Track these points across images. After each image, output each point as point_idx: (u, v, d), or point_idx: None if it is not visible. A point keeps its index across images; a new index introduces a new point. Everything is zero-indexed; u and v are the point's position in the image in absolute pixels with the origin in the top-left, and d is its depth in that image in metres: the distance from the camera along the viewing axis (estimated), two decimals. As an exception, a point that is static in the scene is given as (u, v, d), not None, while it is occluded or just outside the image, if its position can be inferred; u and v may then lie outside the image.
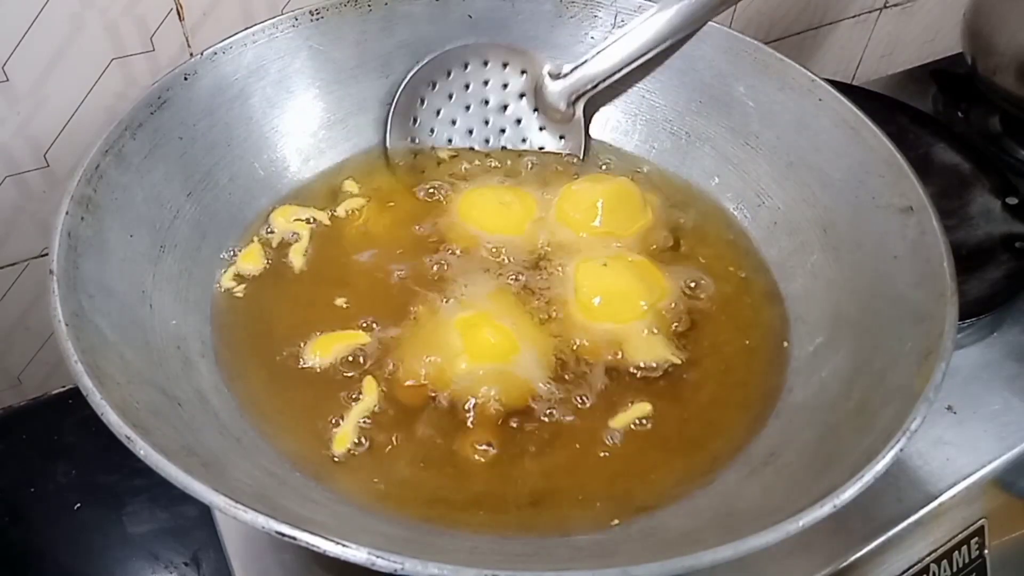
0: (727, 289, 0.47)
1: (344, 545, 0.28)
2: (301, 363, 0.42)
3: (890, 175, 0.44)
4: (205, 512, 0.50)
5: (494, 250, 0.48)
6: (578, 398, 0.41)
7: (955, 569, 0.50)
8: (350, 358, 0.42)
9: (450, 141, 0.54)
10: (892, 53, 0.98)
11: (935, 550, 0.49)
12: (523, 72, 0.54)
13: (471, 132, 0.54)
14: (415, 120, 0.53)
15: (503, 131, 0.55)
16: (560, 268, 0.47)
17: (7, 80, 0.50)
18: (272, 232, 0.48)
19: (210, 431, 0.36)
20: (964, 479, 0.49)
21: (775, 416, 0.41)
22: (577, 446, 0.40)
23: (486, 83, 0.54)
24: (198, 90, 0.46)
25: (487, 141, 0.55)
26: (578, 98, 0.53)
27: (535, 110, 0.54)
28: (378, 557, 0.27)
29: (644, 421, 0.41)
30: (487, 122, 0.54)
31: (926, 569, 0.49)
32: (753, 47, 0.50)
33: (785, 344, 0.44)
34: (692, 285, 0.47)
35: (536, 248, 0.49)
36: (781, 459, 0.38)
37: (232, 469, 0.34)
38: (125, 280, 0.39)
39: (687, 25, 0.51)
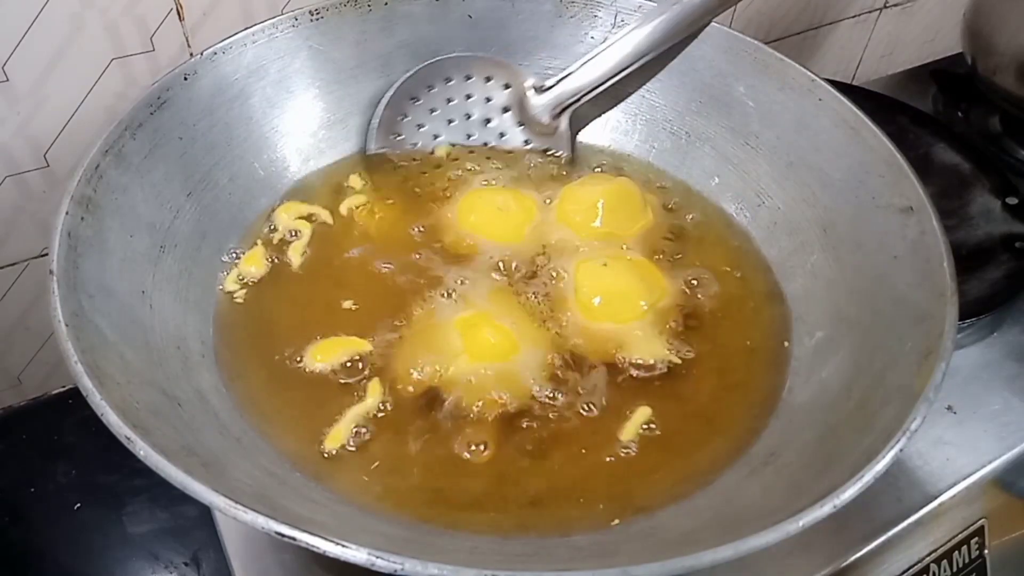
0: (727, 289, 0.47)
1: (344, 545, 0.28)
2: (301, 365, 0.42)
3: (890, 175, 0.44)
4: (205, 512, 0.50)
5: (494, 252, 0.48)
6: (578, 398, 0.41)
7: (955, 569, 0.50)
8: (349, 363, 0.42)
9: (432, 155, 0.54)
10: (892, 53, 0.98)
11: (935, 550, 0.49)
12: (507, 86, 0.53)
13: (454, 146, 0.54)
14: (398, 134, 0.53)
15: (487, 144, 0.55)
16: (560, 268, 0.47)
17: (7, 80, 0.50)
18: (275, 229, 0.48)
19: (210, 431, 0.36)
20: (964, 479, 0.49)
21: (775, 416, 0.41)
22: (577, 446, 0.40)
23: (469, 97, 0.54)
24: (198, 90, 0.46)
25: (471, 153, 0.54)
26: (562, 111, 0.53)
27: (519, 124, 0.54)
28: (378, 557, 0.27)
29: (652, 426, 0.41)
30: (470, 136, 0.54)
31: (926, 569, 0.49)
32: (753, 47, 0.50)
33: (785, 344, 0.44)
34: (692, 285, 0.47)
35: (536, 249, 0.49)
36: (781, 459, 0.38)
37: (232, 469, 0.34)
38: (125, 280, 0.39)
39: (667, 39, 0.50)
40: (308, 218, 0.49)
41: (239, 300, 0.45)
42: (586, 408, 0.41)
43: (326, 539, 0.28)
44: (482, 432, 0.40)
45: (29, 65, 0.50)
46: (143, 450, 0.29)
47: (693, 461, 0.40)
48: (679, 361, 0.43)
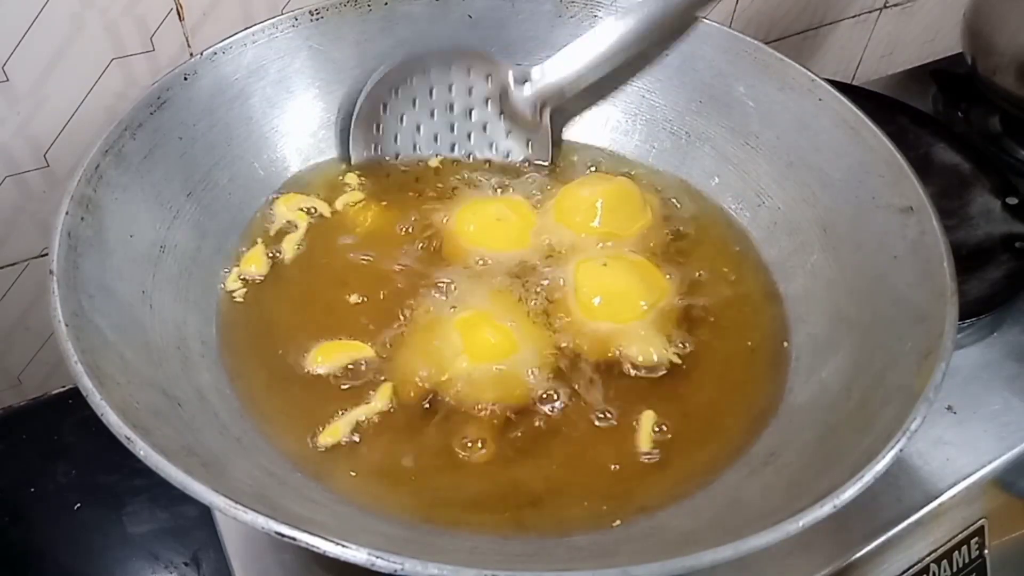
0: (727, 289, 0.47)
1: (344, 545, 0.28)
2: (302, 366, 0.42)
3: (890, 175, 0.44)
4: (205, 512, 0.50)
5: (493, 253, 0.48)
6: (577, 398, 0.41)
7: (955, 569, 0.50)
8: (351, 366, 0.42)
9: (415, 147, 0.54)
10: (892, 53, 0.98)
11: (935, 550, 0.49)
12: (488, 77, 0.53)
13: (436, 138, 0.54)
14: (378, 127, 0.52)
15: (469, 136, 0.54)
16: (560, 268, 0.47)
17: (7, 80, 0.50)
18: (272, 220, 0.48)
19: (210, 431, 0.36)
20: (964, 479, 0.49)
21: (775, 416, 0.41)
22: (577, 446, 0.40)
23: (450, 88, 0.53)
24: (198, 90, 0.46)
25: (453, 147, 0.54)
26: (544, 105, 0.53)
27: (501, 115, 0.54)
28: (378, 557, 0.27)
29: (663, 427, 0.41)
30: (452, 127, 0.54)
31: (926, 569, 0.49)
32: (753, 47, 0.50)
33: (785, 344, 0.44)
34: (692, 285, 0.47)
35: (536, 249, 0.48)
36: (781, 459, 0.38)
37: (232, 469, 0.34)
38: (125, 280, 0.39)
39: (652, 32, 0.50)
40: (307, 211, 0.49)
41: (239, 299, 0.45)
42: (585, 408, 0.41)
43: (326, 539, 0.28)
44: (482, 432, 0.40)
45: (29, 65, 0.50)
46: (143, 450, 0.29)
47: (693, 461, 0.40)
48: (679, 361, 0.43)
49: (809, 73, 0.48)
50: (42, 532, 0.51)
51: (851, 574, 0.46)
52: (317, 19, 0.50)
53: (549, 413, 0.41)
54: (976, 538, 0.51)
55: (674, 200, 0.52)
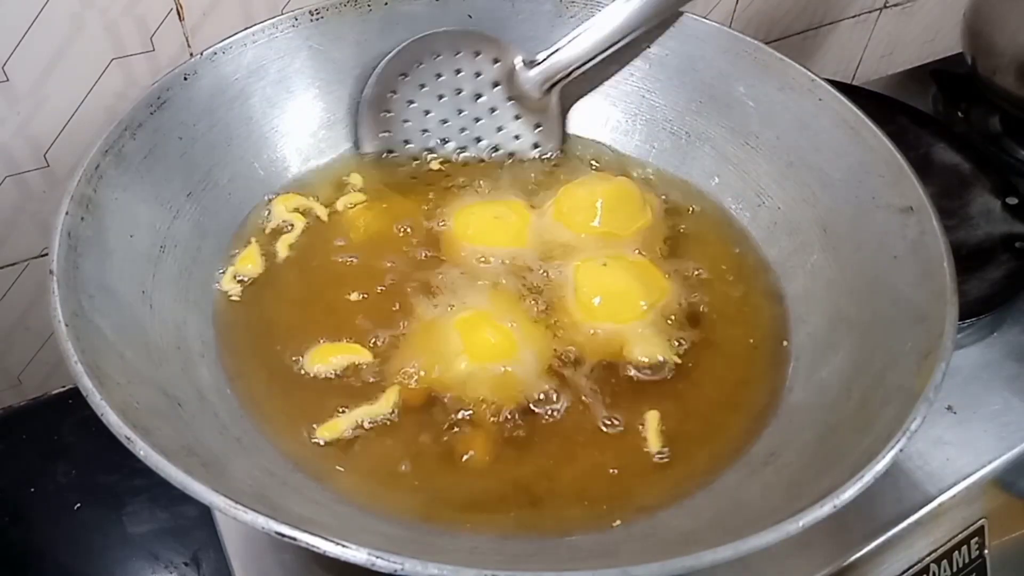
0: (727, 289, 0.47)
1: (344, 545, 0.28)
2: (302, 366, 0.42)
3: (890, 175, 0.44)
4: (205, 512, 0.50)
5: (493, 254, 0.48)
6: (578, 398, 0.41)
7: (955, 569, 0.50)
8: (349, 367, 0.42)
9: (425, 131, 0.54)
10: (892, 53, 0.98)
11: (935, 550, 0.49)
12: (496, 60, 0.53)
13: (445, 122, 0.54)
14: (387, 111, 0.53)
15: (478, 120, 0.54)
16: (560, 268, 0.47)
17: (7, 80, 0.50)
18: (269, 220, 0.48)
19: (210, 431, 0.36)
20: (964, 479, 0.49)
21: (775, 416, 0.41)
22: (577, 446, 0.40)
23: (458, 72, 0.53)
24: (198, 90, 0.46)
25: (462, 130, 0.54)
26: (552, 86, 0.53)
27: (509, 99, 0.54)
28: (378, 557, 0.27)
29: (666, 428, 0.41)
30: (461, 111, 0.54)
31: (926, 569, 0.49)
32: (753, 47, 0.50)
33: (785, 344, 0.44)
34: (692, 285, 0.47)
35: (536, 249, 0.48)
36: (781, 459, 0.38)
37: (232, 469, 0.34)
38: (125, 280, 0.39)
39: (659, 11, 0.50)
40: (303, 212, 0.49)
41: (236, 299, 0.45)
42: (585, 408, 0.41)
43: (326, 539, 0.28)
44: (482, 432, 0.40)
45: (29, 65, 0.50)
46: (143, 450, 0.29)
47: (693, 461, 0.40)
48: (679, 361, 0.43)
49: (809, 73, 0.48)
50: (42, 532, 0.51)
51: (851, 574, 0.46)
52: (317, 19, 0.50)
53: (549, 413, 0.41)
54: (976, 538, 0.51)
55: (674, 200, 0.52)
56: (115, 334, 0.36)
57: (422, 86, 0.53)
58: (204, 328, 0.42)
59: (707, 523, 0.35)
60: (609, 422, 0.41)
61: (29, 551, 0.51)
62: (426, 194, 0.52)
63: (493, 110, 0.54)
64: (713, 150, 0.53)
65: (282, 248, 0.47)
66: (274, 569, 0.44)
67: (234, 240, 0.47)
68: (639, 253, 0.49)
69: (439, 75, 0.53)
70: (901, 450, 0.32)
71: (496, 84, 0.54)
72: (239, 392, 0.40)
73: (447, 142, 0.54)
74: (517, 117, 0.54)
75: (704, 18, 0.52)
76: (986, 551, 0.51)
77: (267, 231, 0.48)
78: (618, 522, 0.36)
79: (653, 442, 0.40)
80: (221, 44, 0.47)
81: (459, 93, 0.53)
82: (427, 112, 0.53)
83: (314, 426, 0.39)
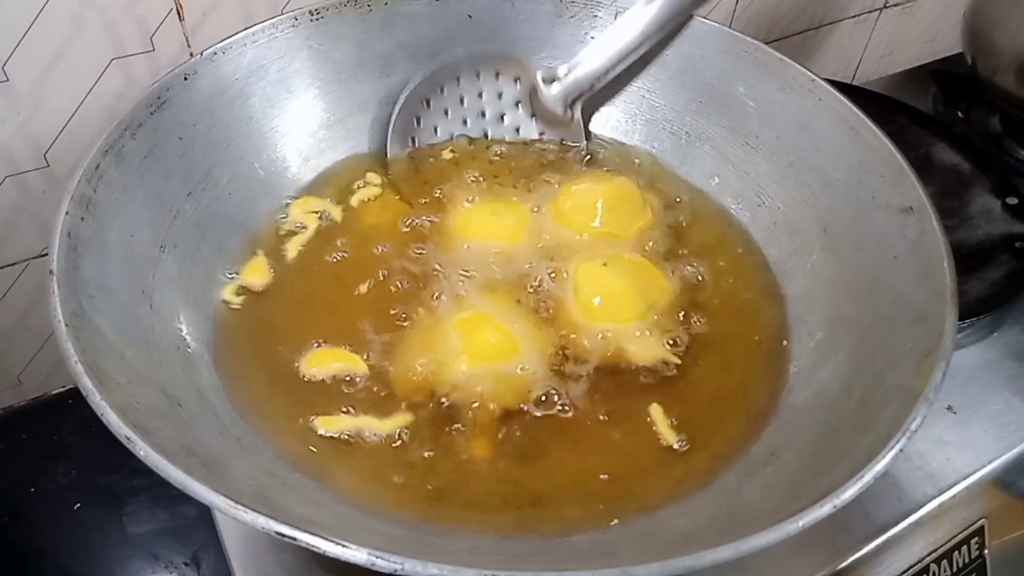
0: (727, 289, 0.47)
1: (344, 545, 0.28)
2: (301, 368, 0.42)
3: (890, 175, 0.44)
4: (205, 512, 0.50)
5: (493, 254, 0.48)
6: (578, 398, 0.41)
7: (955, 569, 0.50)
8: (348, 374, 0.42)
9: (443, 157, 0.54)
10: (892, 53, 0.98)
11: (935, 550, 0.49)
12: (516, 80, 0.53)
13: (471, 144, 0.54)
14: (413, 140, 0.53)
15: (503, 140, 0.55)
16: (560, 268, 0.47)
17: (7, 80, 0.50)
18: (284, 223, 0.49)
19: (210, 431, 0.36)
20: (964, 479, 0.49)
21: (775, 416, 0.41)
22: (577, 446, 0.40)
23: (480, 95, 0.54)
24: (198, 90, 0.46)
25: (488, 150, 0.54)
26: (575, 100, 0.53)
27: (532, 116, 0.54)
28: (378, 557, 0.27)
29: (675, 420, 0.41)
30: (486, 135, 0.54)
31: (926, 569, 0.49)
32: (753, 47, 0.50)
33: (785, 344, 0.44)
34: (692, 285, 0.47)
35: (536, 249, 0.49)
36: (781, 459, 0.38)
37: (232, 469, 0.34)
38: (125, 280, 0.39)
39: (675, 16, 0.50)
40: (318, 215, 0.49)
41: (237, 306, 0.44)
42: (585, 408, 0.41)
43: (326, 539, 0.28)
44: (482, 432, 0.40)
45: (29, 65, 0.50)
46: (143, 450, 0.29)
47: (693, 461, 0.40)
48: (679, 361, 0.43)
49: (809, 73, 0.48)
50: (42, 532, 0.51)
51: (851, 574, 0.46)
52: (317, 19, 0.50)
53: (549, 413, 0.41)
54: (976, 538, 0.51)
55: (674, 199, 0.52)
56: (115, 334, 0.36)
57: (446, 112, 0.53)
58: (204, 328, 0.42)
59: (707, 523, 0.35)
60: (609, 422, 0.41)
61: (29, 551, 0.51)
62: (432, 192, 0.52)
63: (517, 130, 0.55)
64: (713, 150, 0.53)
65: (292, 250, 0.47)
66: (274, 569, 0.44)
67: (243, 241, 0.47)
68: (639, 253, 0.49)
69: (462, 99, 0.53)
70: (901, 450, 0.32)
71: (518, 103, 0.54)
72: (239, 392, 0.40)
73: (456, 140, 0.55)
74: (541, 134, 0.55)
75: (704, 18, 0.52)
76: (986, 551, 0.51)
77: (280, 233, 0.48)
78: (616, 521, 0.36)
79: (667, 435, 0.40)
80: (221, 44, 0.47)
81: (483, 116, 0.54)
82: (452, 136, 0.54)
83: (313, 418, 0.39)
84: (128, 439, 0.30)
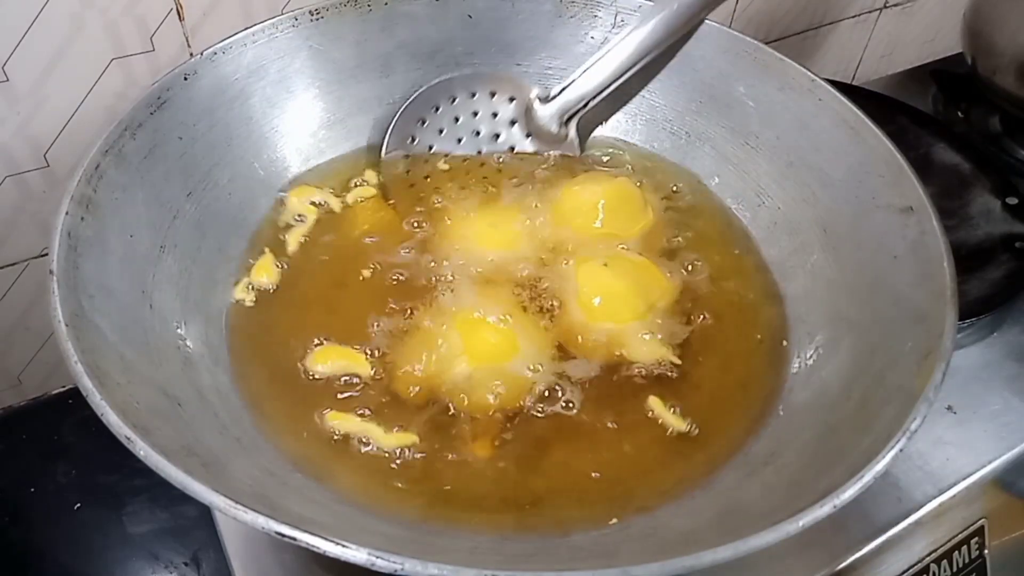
0: (727, 289, 0.47)
1: (344, 545, 0.28)
2: (303, 366, 0.42)
3: (890, 175, 0.44)
4: (205, 512, 0.50)
5: (494, 254, 0.48)
6: (578, 398, 0.41)
7: (955, 569, 0.50)
8: (347, 374, 0.42)
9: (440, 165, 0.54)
10: (892, 53, 0.98)
11: (935, 550, 0.49)
12: (511, 99, 0.53)
13: (465, 162, 0.54)
14: (406, 157, 0.53)
15: (499, 159, 0.54)
16: (561, 268, 0.47)
17: (7, 80, 0.50)
18: (283, 214, 0.49)
19: (210, 431, 0.36)
20: (964, 479, 0.49)
21: (775, 416, 0.41)
22: (577, 446, 0.40)
23: (475, 114, 0.54)
24: (198, 90, 0.46)
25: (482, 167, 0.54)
26: (570, 118, 0.53)
27: (528, 135, 0.54)
28: (378, 557, 0.27)
29: (677, 408, 0.41)
30: (480, 153, 0.54)
31: (926, 569, 0.49)
32: (753, 47, 0.50)
33: (784, 344, 0.44)
34: (692, 285, 0.47)
35: (537, 249, 0.48)
36: (781, 459, 0.38)
37: (232, 469, 0.34)
38: (125, 280, 0.39)
39: (667, 37, 0.50)
40: (317, 205, 0.49)
41: (249, 304, 0.45)
42: (585, 408, 0.41)
43: (326, 539, 0.28)
44: (482, 432, 0.40)
45: (29, 65, 0.50)
46: (143, 450, 0.29)
47: (693, 461, 0.40)
48: (679, 361, 0.43)
49: (809, 73, 0.48)
50: (42, 532, 0.51)
51: (851, 574, 0.46)
52: (317, 19, 0.50)
53: (549, 413, 0.41)
54: (976, 538, 0.51)
55: (674, 199, 0.52)
56: (115, 334, 0.36)
57: (441, 131, 0.53)
58: (204, 328, 0.42)
59: (707, 523, 0.35)
60: (609, 422, 0.41)
61: (29, 551, 0.51)
62: (431, 196, 0.52)
63: (512, 148, 0.54)
64: (713, 150, 0.53)
65: (292, 241, 0.47)
66: (274, 569, 0.44)
67: (246, 241, 0.47)
68: (640, 253, 0.49)
69: (457, 119, 0.53)
70: (901, 450, 0.32)
71: (514, 122, 0.54)
72: (239, 392, 0.40)
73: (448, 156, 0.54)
74: (536, 153, 0.54)
75: (704, 18, 0.52)
76: (986, 551, 0.51)
77: (280, 224, 0.48)
78: (615, 520, 0.36)
79: (674, 423, 0.40)
80: (221, 44, 0.47)
81: (478, 135, 0.54)
82: (445, 156, 0.54)
83: (325, 412, 0.40)
84: (128, 439, 0.30)
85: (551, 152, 0.54)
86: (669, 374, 0.43)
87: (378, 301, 0.45)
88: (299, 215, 0.49)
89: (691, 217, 0.51)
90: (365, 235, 0.49)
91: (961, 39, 0.74)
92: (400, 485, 0.38)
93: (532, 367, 0.42)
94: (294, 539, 0.28)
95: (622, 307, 0.45)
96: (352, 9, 0.51)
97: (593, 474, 0.39)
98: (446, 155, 0.54)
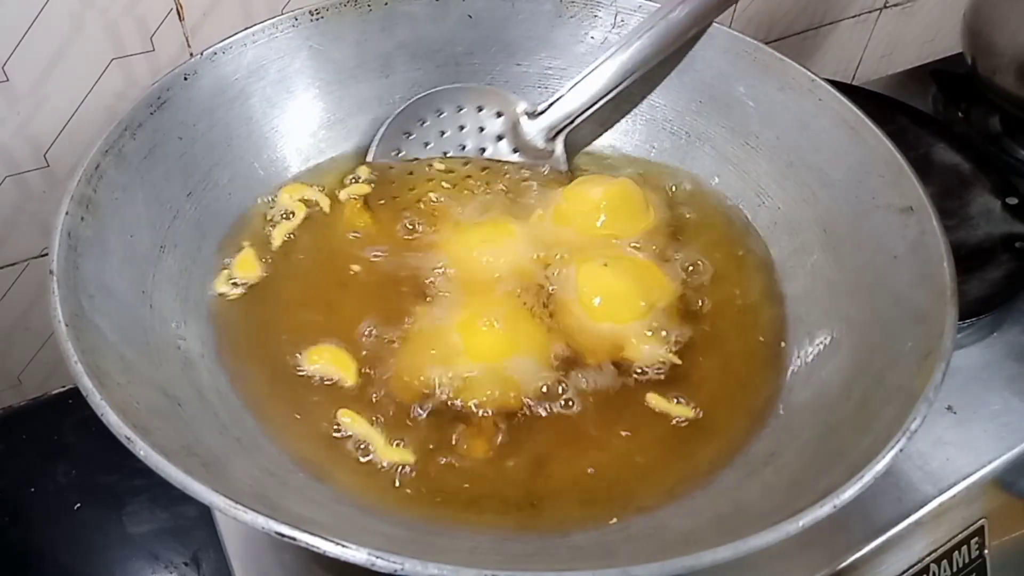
0: (727, 289, 0.47)
1: (344, 545, 0.28)
2: (300, 365, 0.42)
3: (890, 175, 0.44)
4: (205, 512, 0.50)
5: (494, 254, 0.48)
6: (578, 398, 0.41)
7: (955, 569, 0.50)
8: (337, 379, 0.42)
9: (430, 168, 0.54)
10: (892, 53, 0.98)
11: (935, 550, 0.49)
12: (499, 114, 0.53)
13: (450, 175, 0.54)
14: (391, 169, 0.53)
15: (484, 171, 0.54)
16: (561, 268, 0.47)
17: (7, 80, 0.50)
18: (272, 207, 0.49)
19: (210, 431, 0.36)
20: (964, 479, 0.49)
21: (775, 416, 0.41)
22: (577, 446, 0.40)
23: (462, 128, 0.53)
24: (198, 90, 0.46)
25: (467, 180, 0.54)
26: (556, 134, 0.53)
27: (515, 150, 0.54)
28: (378, 557, 0.27)
29: (680, 400, 0.41)
30: (466, 165, 0.54)
31: (926, 569, 0.49)
32: (753, 47, 0.50)
33: (784, 344, 0.44)
34: (693, 285, 0.47)
35: (538, 249, 0.48)
36: (781, 459, 0.38)
37: (232, 469, 0.34)
38: (125, 280, 0.39)
39: (658, 52, 0.50)
40: (306, 202, 0.49)
41: (233, 298, 0.44)
42: (586, 408, 0.41)
43: (326, 539, 0.28)
44: (482, 432, 0.40)
45: (29, 65, 0.50)
46: (143, 450, 0.29)
47: (693, 461, 0.40)
48: (679, 361, 0.43)
49: (809, 73, 0.48)
50: (42, 532, 0.51)
51: (851, 574, 0.46)
52: (317, 19, 0.50)
53: (549, 413, 0.41)
54: (976, 538, 0.51)
55: (674, 200, 0.52)
56: (115, 334, 0.36)
57: (427, 144, 0.53)
58: (204, 328, 0.42)
59: (707, 523, 0.35)
60: (609, 422, 0.41)
61: (29, 551, 0.51)
62: (427, 195, 0.52)
63: (498, 162, 0.54)
64: (713, 150, 0.53)
65: (278, 237, 0.47)
66: (274, 569, 0.44)
67: (231, 237, 0.47)
68: (641, 253, 0.49)
69: (443, 132, 0.53)
70: (901, 450, 0.32)
71: (500, 137, 0.54)
72: (239, 392, 0.40)
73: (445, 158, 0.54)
74: (522, 168, 0.54)
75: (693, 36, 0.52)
76: (986, 551, 0.51)
77: (269, 219, 0.48)
78: (615, 520, 0.36)
79: (680, 412, 0.41)
80: (221, 44, 0.47)
81: (464, 149, 0.54)
82: (429, 167, 0.54)
83: (336, 410, 0.40)
84: (128, 439, 0.30)
85: (539, 168, 0.54)
86: (669, 374, 0.43)
87: (376, 300, 0.45)
88: (288, 210, 0.49)
89: (691, 217, 0.51)
90: (360, 235, 0.49)
91: (961, 39, 0.74)
92: (400, 485, 0.38)
93: (532, 367, 0.42)
94: (294, 539, 0.28)
95: (622, 307, 0.45)
96: (352, 9, 0.51)
97: (592, 474, 0.39)
98: (428, 167, 0.53)
